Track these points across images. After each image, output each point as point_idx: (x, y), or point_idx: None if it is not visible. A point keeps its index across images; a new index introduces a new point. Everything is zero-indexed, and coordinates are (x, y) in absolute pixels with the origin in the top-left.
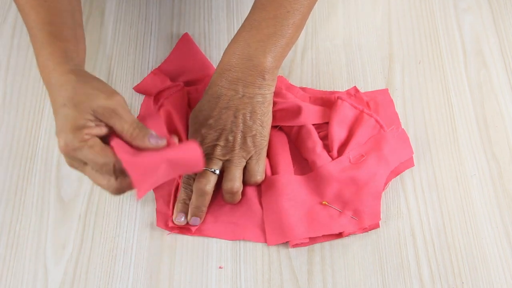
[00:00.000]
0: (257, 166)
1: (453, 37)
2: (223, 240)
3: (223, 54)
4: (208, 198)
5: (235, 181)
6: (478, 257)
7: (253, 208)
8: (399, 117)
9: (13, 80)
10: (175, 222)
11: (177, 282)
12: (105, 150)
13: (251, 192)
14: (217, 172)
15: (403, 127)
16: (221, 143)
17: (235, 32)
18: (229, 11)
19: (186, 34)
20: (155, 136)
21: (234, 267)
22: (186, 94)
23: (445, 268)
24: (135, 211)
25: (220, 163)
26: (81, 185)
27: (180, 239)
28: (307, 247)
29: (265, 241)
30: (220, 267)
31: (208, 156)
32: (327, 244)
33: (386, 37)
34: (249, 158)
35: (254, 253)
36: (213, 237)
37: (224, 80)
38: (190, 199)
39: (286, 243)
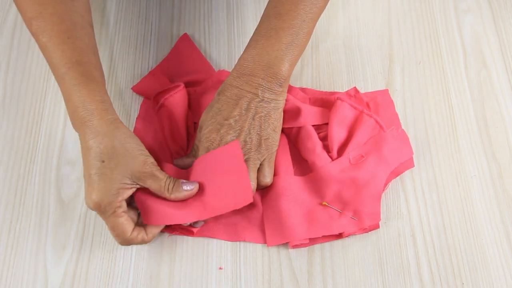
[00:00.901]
0: (269, 168)
1: (453, 38)
2: (223, 241)
3: (240, 59)
4: None
5: (254, 182)
6: (478, 258)
7: (253, 210)
8: (399, 118)
9: (13, 80)
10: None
11: (177, 283)
12: (125, 227)
13: None
14: None
15: (403, 127)
16: (240, 144)
17: (235, 32)
18: (229, 12)
19: (185, 35)
20: (187, 183)
21: (234, 268)
22: (186, 95)
23: (445, 268)
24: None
25: None
26: (81, 186)
27: (180, 240)
28: (307, 247)
29: (265, 242)
30: (220, 268)
31: None
32: (327, 244)
33: (386, 37)
34: (262, 161)
35: (254, 254)
36: (213, 237)
37: (244, 84)
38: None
39: (286, 244)
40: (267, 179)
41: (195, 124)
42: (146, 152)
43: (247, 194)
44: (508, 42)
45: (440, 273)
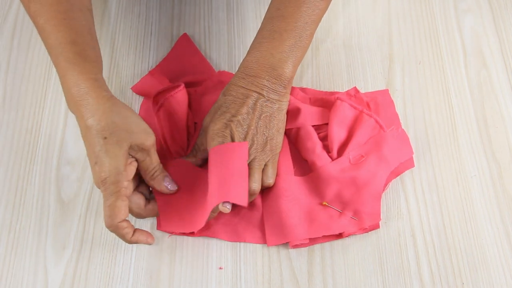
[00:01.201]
0: (272, 170)
1: (453, 38)
2: (223, 241)
3: (244, 61)
4: None
5: (259, 183)
6: (478, 258)
7: (253, 210)
8: (399, 118)
9: (13, 80)
10: (222, 207)
11: (177, 283)
12: (120, 212)
13: None
14: None
15: (403, 127)
16: (248, 143)
17: (235, 32)
18: (229, 12)
19: (185, 35)
20: (170, 181)
21: (234, 268)
22: (187, 95)
23: (445, 268)
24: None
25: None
26: (81, 186)
27: (180, 240)
28: (307, 247)
29: (265, 243)
30: (220, 268)
31: None
32: (327, 244)
33: (386, 37)
34: (267, 161)
35: (254, 254)
36: (213, 237)
37: (249, 84)
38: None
39: (286, 244)
40: (270, 180)
41: (195, 124)
42: (149, 129)
43: (243, 197)
44: (508, 42)
45: (440, 273)
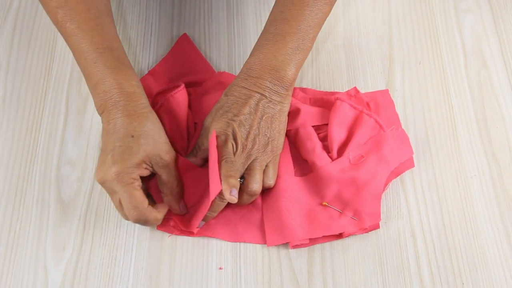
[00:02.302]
0: (273, 171)
1: (453, 38)
2: (223, 241)
3: (247, 63)
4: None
5: (260, 184)
6: (478, 258)
7: (253, 210)
8: (399, 118)
9: (13, 80)
10: (230, 196)
11: (177, 283)
12: (142, 196)
13: None
14: (242, 181)
15: (403, 127)
16: (249, 143)
17: (235, 32)
18: (229, 12)
19: (185, 35)
20: (183, 206)
21: (234, 268)
22: (187, 95)
23: (445, 268)
24: None
25: (243, 170)
26: (81, 186)
27: (180, 240)
28: (307, 247)
29: (265, 243)
30: (220, 268)
31: (235, 162)
32: (327, 244)
33: (386, 37)
34: (268, 162)
35: (254, 254)
36: (213, 237)
37: (252, 85)
38: (238, 172)
39: (286, 244)
40: (271, 181)
41: (195, 125)
42: (171, 148)
43: (216, 186)
44: (508, 42)
45: (440, 273)
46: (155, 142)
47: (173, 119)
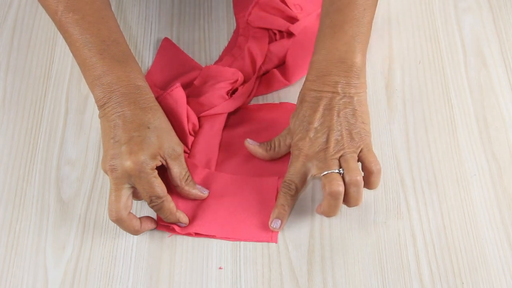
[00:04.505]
0: (370, 155)
1: (453, 38)
2: (223, 241)
3: (312, 62)
4: (340, 200)
5: (358, 171)
6: (478, 258)
7: (254, 210)
8: (399, 117)
9: (13, 80)
10: (271, 227)
11: (177, 283)
12: (163, 184)
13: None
14: (342, 171)
15: (403, 127)
16: (332, 144)
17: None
18: (229, 12)
19: (166, 39)
20: (200, 187)
21: (234, 268)
22: (184, 93)
23: (445, 268)
24: (136, 212)
25: (337, 162)
26: (81, 186)
27: (180, 240)
28: (307, 247)
29: (261, 241)
30: (220, 268)
31: (325, 160)
32: (327, 244)
33: (386, 37)
34: (360, 152)
35: (254, 254)
36: (213, 237)
37: (321, 85)
38: (288, 205)
39: (286, 244)
40: (373, 165)
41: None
42: (178, 139)
43: (273, 233)
44: (508, 42)
45: (440, 273)
46: (168, 135)
47: (170, 117)
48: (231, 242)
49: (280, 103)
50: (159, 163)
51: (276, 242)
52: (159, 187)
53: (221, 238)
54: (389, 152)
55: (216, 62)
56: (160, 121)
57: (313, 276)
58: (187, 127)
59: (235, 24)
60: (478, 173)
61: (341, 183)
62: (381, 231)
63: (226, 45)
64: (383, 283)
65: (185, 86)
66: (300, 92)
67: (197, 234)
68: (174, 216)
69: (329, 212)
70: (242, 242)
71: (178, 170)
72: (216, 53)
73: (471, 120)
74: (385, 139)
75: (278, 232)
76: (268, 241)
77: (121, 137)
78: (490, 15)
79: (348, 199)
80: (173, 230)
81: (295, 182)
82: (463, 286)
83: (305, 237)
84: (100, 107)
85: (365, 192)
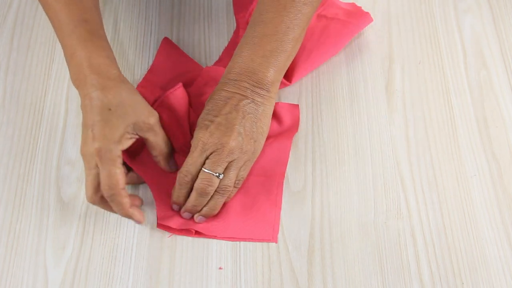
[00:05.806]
0: (244, 172)
1: (453, 38)
2: (223, 241)
3: (228, 67)
4: (207, 199)
5: (230, 182)
6: (478, 258)
7: (254, 210)
8: (399, 117)
9: (13, 80)
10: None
11: (177, 283)
12: (121, 176)
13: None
14: (221, 177)
15: (403, 127)
16: (228, 146)
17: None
18: (229, 12)
19: (166, 39)
20: (174, 163)
21: (234, 268)
22: (186, 93)
23: (445, 268)
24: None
25: (225, 165)
26: (81, 186)
27: (180, 240)
28: (307, 247)
29: (261, 241)
30: (220, 268)
31: (214, 158)
32: (327, 244)
33: (386, 37)
34: (243, 164)
35: (254, 254)
36: (213, 238)
37: (232, 87)
38: (184, 196)
39: (286, 244)
40: (239, 179)
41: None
42: (152, 109)
43: (273, 233)
44: (508, 42)
45: (440, 273)
46: (134, 110)
47: (173, 116)
48: (231, 242)
49: (285, 103)
50: (129, 142)
51: (276, 242)
52: (115, 177)
53: (221, 238)
54: (389, 152)
55: (216, 62)
56: (123, 97)
57: (313, 276)
58: (189, 127)
59: (235, 24)
60: (478, 173)
61: (213, 187)
62: (381, 231)
63: (226, 45)
64: (383, 283)
65: (185, 86)
66: (211, 93)
67: (197, 234)
68: (125, 212)
69: (194, 204)
70: (242, 242)
71: (153, 140)
72: (216, 53)
73: (471, 120)
74: (385, 139)
75: (278, 232)
76: (268, 241)
77: (87, 122)
78: (490, 15)
79: (207, 203)
80: (173, 230)
81: (191, 173)
82: (463, 286)
83: (305, 237)
84: (76, 88)
85: (365, 192)
